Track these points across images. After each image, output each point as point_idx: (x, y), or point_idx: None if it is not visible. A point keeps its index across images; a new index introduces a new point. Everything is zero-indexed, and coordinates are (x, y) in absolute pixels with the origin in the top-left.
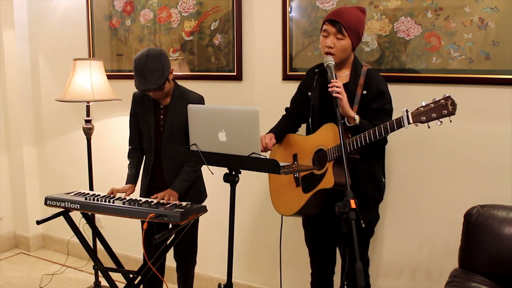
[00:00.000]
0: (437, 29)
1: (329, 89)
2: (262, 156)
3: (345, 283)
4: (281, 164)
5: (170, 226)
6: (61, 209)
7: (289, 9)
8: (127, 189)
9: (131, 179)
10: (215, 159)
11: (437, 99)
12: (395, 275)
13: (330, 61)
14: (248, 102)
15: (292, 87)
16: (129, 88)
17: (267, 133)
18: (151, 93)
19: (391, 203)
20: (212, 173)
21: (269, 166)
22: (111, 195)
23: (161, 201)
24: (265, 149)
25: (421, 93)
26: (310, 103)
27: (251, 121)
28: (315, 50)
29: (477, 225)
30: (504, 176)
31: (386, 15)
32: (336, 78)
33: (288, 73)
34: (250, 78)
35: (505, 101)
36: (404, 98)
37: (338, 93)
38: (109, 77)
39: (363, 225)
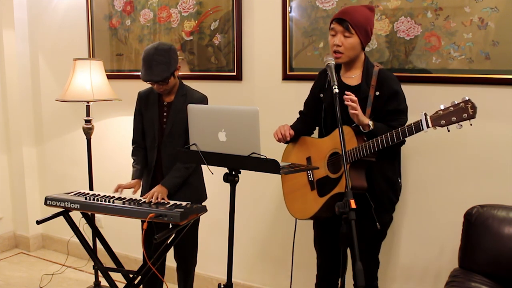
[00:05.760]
0: (437, 29)
1: (345, 103)
2: (262, 156)
3: (352, 283)
4: (281, 164)
5: (170, 226)
6: (61, 209)
7: (289, 9)
8: (133, 184)
9: (137, 175)
10: (215, 159)
11: (456, 102)
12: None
13: (330, 60)
14: (248, 102)
15: (292, 87)
16: (129, 88)
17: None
18: (155, 86)
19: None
20: (212, 173)
21: (269, 166)
22: (117, 192)
23: (151, 200)
24: (283, 139)
25: (421, 93)
26: (323, 105)
27: (251, 121)
28: (315, 50)
29: (476, 225)
30: (504, 176)
31: (386, 15)
32: (336, 79)
33: (288, 73)
34: (250, 78)
35: (505, 101)
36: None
37: (353, 108)
38: (109, 77)
39: (379, 227)
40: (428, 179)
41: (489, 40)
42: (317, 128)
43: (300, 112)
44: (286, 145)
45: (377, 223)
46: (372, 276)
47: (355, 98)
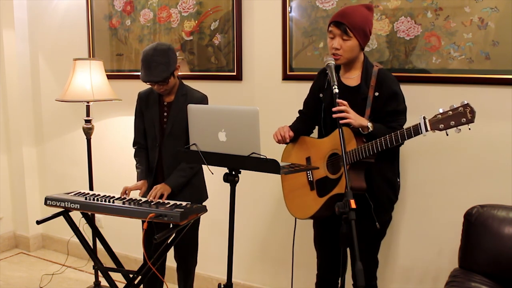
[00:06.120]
0: (437, 29)
1: (334, 115)
2: (262, 156)
3: (352, 283)
4: (281, 164)
5: (170, 226)
6: (61, 209)
7: (289, 9)
8: (140, 185)
9: (142, 176)
10: (215, 159)
11: (455, 106)
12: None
13: (330, 61)
14: (248, 102)
15: (292, 87)
16: (129, 88)
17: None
18: (155, 86)
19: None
20: (212, 173)
21: (269, 166)
22: (125, 195)
23: (153, 199)
24: (283, 140)
25: (421, 93)
26: (322, 105)
27: (251, 121)
28: (315, 50)
29: (476, 225)
30: (504, 176)
31: (386, 15)
32: (336, 79)
33: (288, 73)
34: (250, 78)
35: (505, 101)
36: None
37: (345, 118)
38: (109, 77)
39: (378, 227)
40: (428, 179)
41: (489, 40)
42: (316, 127)
43: (300, 112)
44: (285, 145)
45: (377, 223)
46: (371, 276)
47: (344, 108)
